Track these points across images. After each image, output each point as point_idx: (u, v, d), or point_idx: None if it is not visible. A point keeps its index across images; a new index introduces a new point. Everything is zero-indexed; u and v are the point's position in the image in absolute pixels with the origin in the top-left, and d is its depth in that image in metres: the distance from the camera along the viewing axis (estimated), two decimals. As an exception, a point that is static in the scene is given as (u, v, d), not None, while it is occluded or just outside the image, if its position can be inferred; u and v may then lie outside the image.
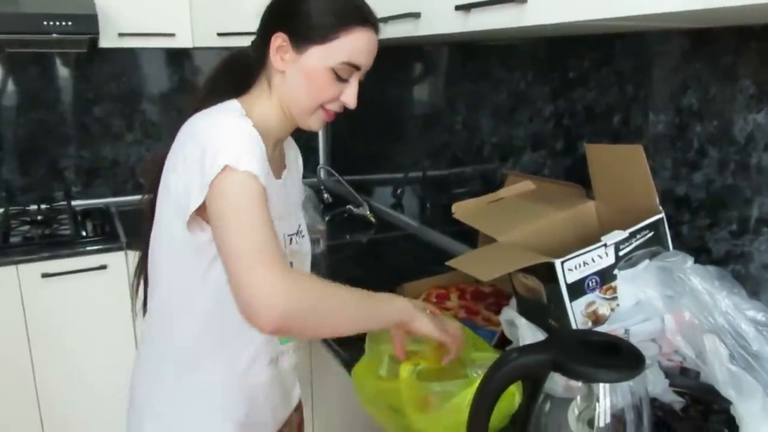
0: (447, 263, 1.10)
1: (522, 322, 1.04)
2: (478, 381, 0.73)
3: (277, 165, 1.02)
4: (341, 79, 0.92)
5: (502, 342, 1.18)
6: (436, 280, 1.48)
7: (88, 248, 1.97)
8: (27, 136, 2.32)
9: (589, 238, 1.18)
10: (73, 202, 2.38)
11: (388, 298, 0.90)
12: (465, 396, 0.82)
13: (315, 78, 0.91)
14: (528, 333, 1.02)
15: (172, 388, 0.98)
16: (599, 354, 0.71)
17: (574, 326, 0.99)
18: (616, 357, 0.70)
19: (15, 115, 2.30)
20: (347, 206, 2.19)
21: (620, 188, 1.11)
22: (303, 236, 1.08)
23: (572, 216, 1.18)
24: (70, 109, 2.37)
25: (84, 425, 2.04)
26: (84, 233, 2.09)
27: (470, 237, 1.40)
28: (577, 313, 0.98)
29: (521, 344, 1.03)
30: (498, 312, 1.32)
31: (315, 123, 0.96)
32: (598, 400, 0.70)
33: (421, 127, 2.04)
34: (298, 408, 1.18)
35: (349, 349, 1.20)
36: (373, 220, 2.17)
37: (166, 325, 0.98)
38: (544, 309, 1.04)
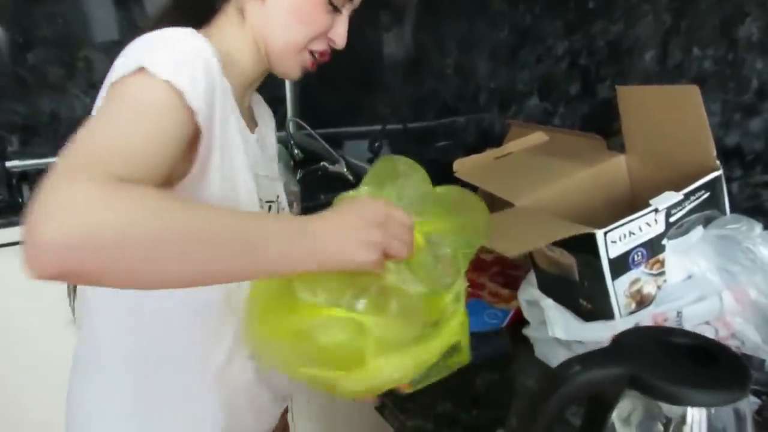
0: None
1: (549, 304, 0.86)
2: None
3: (248, 119, 0.83)
4: (334, 9, 0.75)
5: (516, 322, 1.01)
6: (430, 247, 1.29)
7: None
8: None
9: (619, 200, 1.00)
10: (8, 163, 2.09)
11: (286, 228, 0.56)
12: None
13: (306, 3, 0.74)
14: (558, 317, 0.85)
15: (125, 398, 0.78)
16: (690, 364, 0.53)
17: (615, 309, 0.81)
18: (713, 368, 0.52)
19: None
20: (321, 163, 1.97)
21: (662, 140, 0.92)
22: (283, 208, 0.88)
23: (599, 173, 1.00)
24: (-2, 56, 2.06)
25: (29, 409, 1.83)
26: (20, 199, 1.83)
27: None
28: (619, 294, 0.81)
29: (550, 331, 0.85)
30: (505, 284, 1.15)
31: (295, 68, 0.78)
32: (687, 427, 0.52)
33: (403, 73, 1.82)
34: (283, 413, 0.99)
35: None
36: (351, 177, 1.95)
37: (112, 315, 0.76)
38: (575, 287, 0.86)
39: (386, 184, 0.71)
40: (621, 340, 0.57)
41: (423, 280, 0.63)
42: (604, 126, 1.13)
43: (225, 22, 0.77)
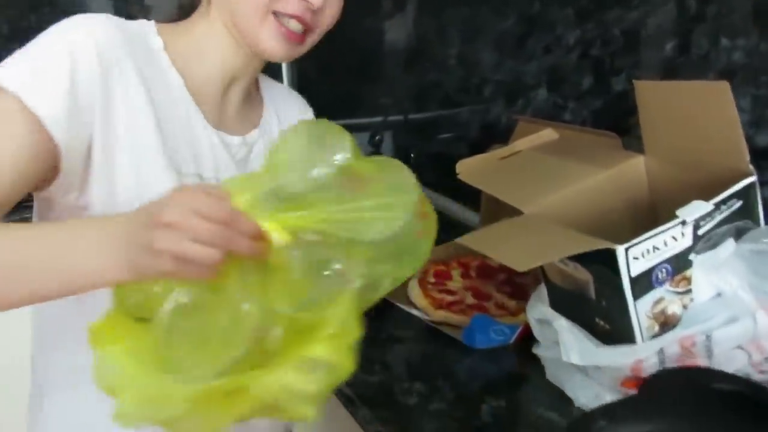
0: (460, 241, 0.82)
1: (563, 325, 0.78)
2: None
3: (238, 117, 0.76)
4: None
5: (525, 338, 0.93)
6: (432, 252, 1.20)
7: None
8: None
9: (638, 207, 0.91)
10: None
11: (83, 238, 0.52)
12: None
13: None
14: (573, 340, 0.76)
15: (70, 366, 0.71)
16: (731, 419, 0.44)
17: (636, 332, 0.73)
18: (761, 424, 0.44)
19: None
20: (318, 159, 1.88)
21: (686, 140, 0.83)
22: None
23: (615, 176, 0.91)
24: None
25: None
26: None
27: (467, 193, 1.11)
28: (641, 315, 0.72)
29: (565, 356, 0.77)
30: (512, 294, 1.07)
31: (269, 38, 0.67)
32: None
33: (403, 64, 1.72)
34: None
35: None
36: (349, 174, 1.87)
37: (49, 337, 0.75)
38: (591, 305, 0.78)
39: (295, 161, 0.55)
40: (650, 386, 0.49)
41: (266, 295, 0.49)
42: (619, 122, 1.04)
43: (196, 14, 0.70)
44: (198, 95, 0.70)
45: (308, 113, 0.91)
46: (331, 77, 2.12)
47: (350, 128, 1.97)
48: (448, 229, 1.42)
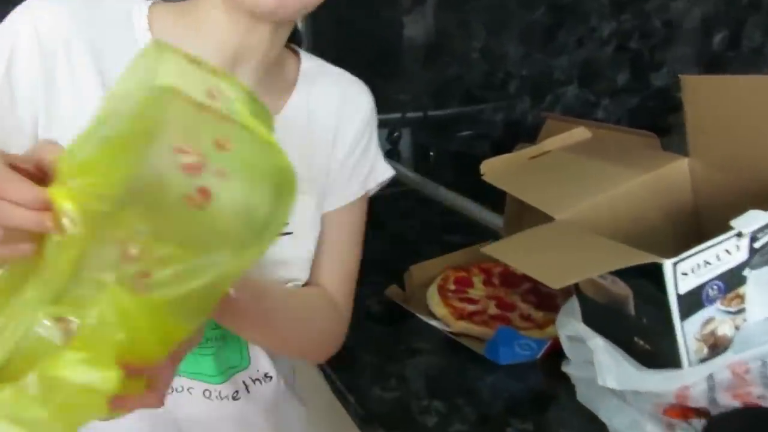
0: (486, 251, 0.75)
1: (599, 345, 0.71)
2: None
3: None
4: None
5: (552, 353, 0.86)
6: (451, 257, 1.14)
7: None
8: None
9: (681, 216, 0.84)
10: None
11: None
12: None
13: None
14: (610, 362, 0.69)
15: None
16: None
17: (683, 356, 0.66)
18: None
19: None
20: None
21: (736, 142, 0.76)
22: (291, 235, 0.70)
23: (656, 180, 0.83)
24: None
25: None
26: None
27: (488, 193, 1.01)
28: (689, 336, 0.65)
29: (601, 380, 0.69)
30: (539, 304, 1.00)
31: None
32: None
33: (423, 58, 1.65)
34: None
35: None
36: (365, 172, 1.80)
37: None
38: (629, 322, 0.71)
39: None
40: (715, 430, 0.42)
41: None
42: (658, 121, 0.97)
43: None
44: None
45: (358, 106, 0.75)
46: (348, 71, 2.06)
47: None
48: (469, 231, 1.37)
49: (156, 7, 0.64)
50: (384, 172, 0.79)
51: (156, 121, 0.40)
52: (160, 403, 0.46)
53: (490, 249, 0.74)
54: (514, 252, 0.72)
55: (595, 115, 1.09)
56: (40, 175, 0.39)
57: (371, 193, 0.80)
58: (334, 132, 0.73)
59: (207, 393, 0.70)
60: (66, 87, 0.59)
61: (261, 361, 0.75)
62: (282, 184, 0.43)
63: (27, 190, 0.37)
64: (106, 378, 0.37)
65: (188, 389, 0.69)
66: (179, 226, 0.41)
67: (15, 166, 0.39)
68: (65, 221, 0.37)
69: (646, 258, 0.62)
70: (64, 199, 0.37)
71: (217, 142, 0.42)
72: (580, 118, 1.07)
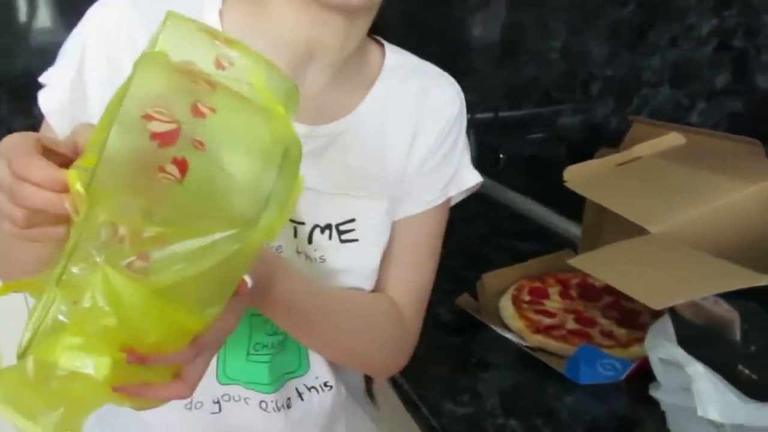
0: (573, 263, 0.70)
1: (699, 372, 0.64)
2: None
3: (323, 103, 0.62)
4: None
5: (637, 375, 0.80)
6: (525, 267, 1.09)
7: None
8: (24, 71, 1.99)
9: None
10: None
11: None
12: None
13: None
14: (712, 391, 0.63)
15: None
16: None
17: (799, 390, 0.59)
18: None
19: (10, 46, 1.96)
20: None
21: None
22: (357, 242, 0.65)
23: (762, 193, 0.76)
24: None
25: None
26: None
27: (562, 199, 0.97)
28: (806, 369, 0.58)
29: (701, 410, 0.63)
30: (621, 321, 0.94)
31: None
32: None
33: (496, 57, 1.60)
34: None
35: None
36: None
37: None
38: (733, 348, 0.65)
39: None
40: None
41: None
42: (762, 127, 0.89)
43: None
44: None
45: (443, 105, 0.69)
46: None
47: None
48: (541, 239, 1.31)
49: (229, 5, 0.61)
50: (470, 178, 0.72)
51: (128, 87, 0.36)
52: (189, 393, 0.44)
53: (578, 261, 0.69)
54: (607, 266, 0.67)
55: (689, 119, 1.01)
56: (75, 158, 0.39)
57: (455, 201, 0.73)
58: (413, 132, 0.66)
59: (263, 405, 0.67)
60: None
61: (321, 368, 0.70)
62: (285, 158, 0.39)
63: (48, 172, 0.37)
64: (98, 364, 0.35)
65: (245, 399, 0.66)
66: (163, 203, 0.37)
67: (51, 150, 0.40)
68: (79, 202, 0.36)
69: (760, 280, 0.56)
70: (74, 180, 0.36)
71: (195, 109, 0.37)
72: (670, 123, 1.00)
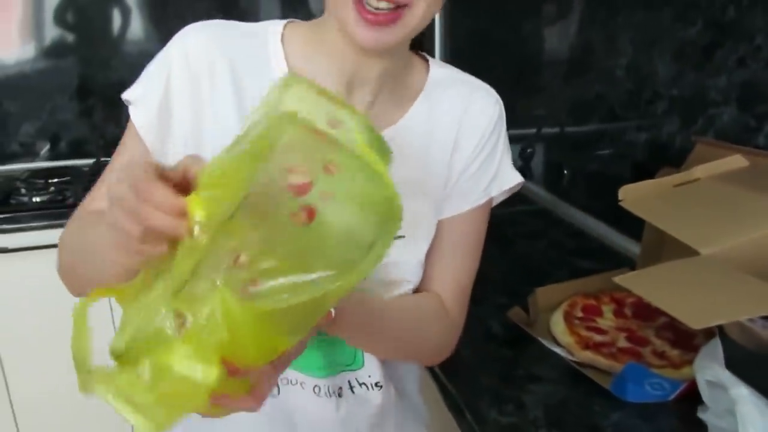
0: (619, 281, 0.72)
1: (743, 394, 0.65)
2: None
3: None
4: None
5: (687, 396, 0.79)
6: (581, 283, 1.09)
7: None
8: (118, 81, 2.15)
9: None
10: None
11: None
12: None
13: None
14: (755, 415, 0.63)
15: None
16: None
17: None
18: None
19: (104, 57, 2.13)
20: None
21: None
22: (404, 239, 0.69)
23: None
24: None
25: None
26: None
27: (625, 218, 0.94)
28: None
29: (742, 430, 0.63)
30: (676, 342, 0.93)
31: (354, 25, 0.58)
32: None
33: (563, 74, 1.61)
34: None
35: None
36: (496, 188, 1.78)
37: None
38: (781, 374, 0.64)
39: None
40: None
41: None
42: (832, 151, 0.87)
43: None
44: None
45: (481, 114, 0.72)
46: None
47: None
48: (601, 257, 1.31)
49: (290, 27, 0.68)
50: (511, 178, 0.76)
51: (273, 142, 0.44)
52: (257, 407, 0.48)
53: (623, 279, 0.70)
54: (650, 285, 0.68)
55: (756, 142, 0.99)
56: (185, 185, 0.45)
57: (497, 201, 0.77)
58: (455, 139, 0.72)
59: (317, 389, 0.72)
60: (209, 106, 0.65)
61: (374, 367, 0.75)
62: (387, 214, 0.45)
63: (169, 197, 0.42)
64: (207, 373, 0.40)
65: (301, 383, 0.71)
66: (285, 240, 0.44)
67: (165, 175, 0.45)
68: (195, 228, 0.42)
69: (807, 306, 0.56)
70: (196, 207, 0.42)
71: (327, 167, 0.45)
72: (736, 144, 0.98)
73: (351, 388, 0.74)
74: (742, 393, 0.64)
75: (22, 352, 1.78)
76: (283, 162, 0.45)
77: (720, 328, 0.73)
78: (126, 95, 0.67)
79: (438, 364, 0.80)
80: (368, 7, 0.56)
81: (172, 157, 0.64)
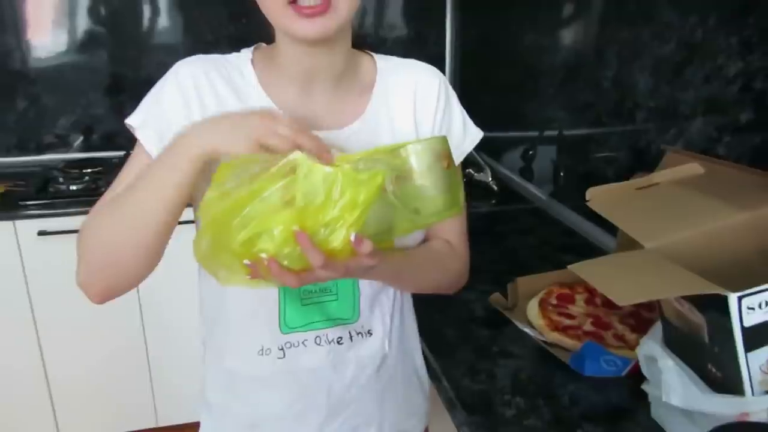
0: (570, 268, 0.84)
1: (668, 365, 0.77)
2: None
3: (333, 111, 0.80)
4: None
5: (635, 375, 0.91)
6: (559, 274, 1.21)
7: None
8: (146, 78, 2.31)
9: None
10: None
11: (161, 156, 0.70)
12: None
13: None
14: (676, 382, 0.75)
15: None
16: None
17: (746, 385, 0.70)
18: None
19: (134, 56, 2.29)
20: (466, 170, 1.94)
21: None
22: None
23: (758, 220, 0.86)
24: (188, 52, 2.31)
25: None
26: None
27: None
28: (753, 369, 0.69)
29: (665, 396, 0.76)
30: (636, 328, 1.05)
31: (295, 25, 0.70)
32: None
33: (559, 82, 1.72)
34: None
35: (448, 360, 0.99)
36: (495, 188, 1.90)
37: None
38: (704, 350, 0.76)
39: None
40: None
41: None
42: (779, 161, 0.97)
43: None
44: (277, 97, 0.78)
45: (428, 87, 0.84)
46: (492, 91, 2.17)
47: (505, 141, 2.04)
48: (587, 252, 1.42)
49: (257, 51, 0.81)
50: (476, 133, 0.89)
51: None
52: (295, 284, 0.62)
53: (575, 267, 0.82)
54: (595, 271, 0.80)
55: (717, 151, 1.10)
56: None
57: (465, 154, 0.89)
58: (413, 112, 0.83)
59: (318, 339, 0.83)
60: None
61: (369, 321, 0.85)
62: (453, 201, 0.66)
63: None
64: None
65: (303, 342, 0.82)
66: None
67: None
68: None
69: (711, 288, 0.68)
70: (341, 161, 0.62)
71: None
72: (700, 153, 1.09)
73: (350, 337, 0.85)
74: (667, 364, 0.76)
75: (57, 321, 1.93)
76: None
77: (661, 312, 0.84)
78: (129, 121, 0.76)
79: (455, 291, 0.92)
80: (301, 4, 0.68)
81: None
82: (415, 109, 0.83)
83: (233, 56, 0.81)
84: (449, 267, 0.88)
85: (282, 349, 0.83)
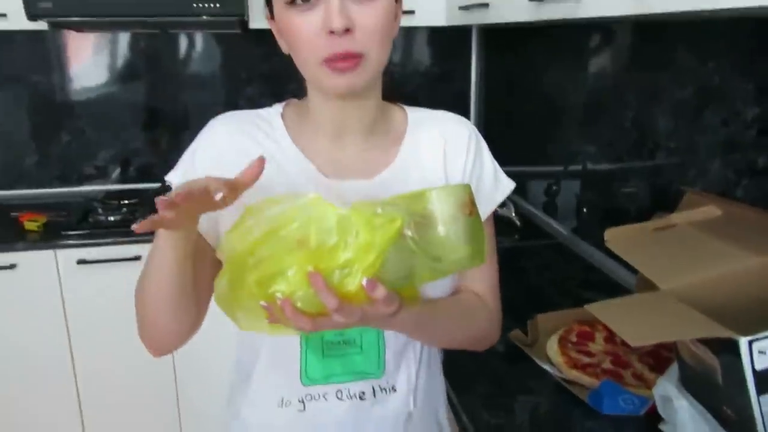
0: (587, 308, 0.86)
1: (683, 405, 0.78)
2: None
3: (363, 162, 0.81)
4: (292, 2, 0.71)
5: (653, 414, 0.93)
6: (579, 312, 1.23)
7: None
8: (182, 113, 2.41)
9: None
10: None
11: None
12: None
13: (284, 22, 0.73)
14: (691, 422, 0.76)
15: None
16: None
17: (759, 427, 0.71)
18: None
19: (171, 92, 2.39)
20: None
21: None
22: None
23: (764, 265, 0.88)
24: (223, 89, 2.41)
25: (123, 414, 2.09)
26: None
27: None
28: (765, 411, 0.71)
29: (679, 437, 0.77)
30: (655, 367, 1.06)
31: (328, 81, 0.72)
32: None
33: (580, 122, 1.76)
34: None
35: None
36: (518, 223, 1.93)
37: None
38: (719, 391, 0.77)
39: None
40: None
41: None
42: (796, 205, 0.99)
43: None
44: (308, 150, 0.79)
45: (458, 138, 0.84)
46: (516, 127, 2.21)
47: (529, 176, 2.07)
48: (605, 290, 1.44)
49: (287, 106, 0.84)
50: (508, 184, 0.87)
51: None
52: (308, 329, 0.61)
53: (593, 307, 0.85)
54: (611, 311, 0.82)
55: (735, 193, 1.13)
56: None
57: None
58: (444, 167, 0.82)
59: (339, 393, 0.80)
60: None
61: (395, 376, 0.83)
62: (478, 249, 0.64)
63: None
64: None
65: (323, 395, 0.81)
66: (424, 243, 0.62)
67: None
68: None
69: (722, 332, 0.70)
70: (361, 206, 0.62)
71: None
72: (719, 195, 1.12)
73: (374, 392, 0.82)
74: (682, 404, 0.78)
75: (93, 348, 2.00)
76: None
77: (677, 353, 0.86)
78: (169, 177, 0.79)
79: (485, 348, 0.89)
80: (333, 64, 0.71)
81: (220, 218, 0.76)
82: (446, 159, 0.82)
83: (264, 111, 0.84)
84: (478, 321, 0.84)
85: (302, 401, 0.81)
